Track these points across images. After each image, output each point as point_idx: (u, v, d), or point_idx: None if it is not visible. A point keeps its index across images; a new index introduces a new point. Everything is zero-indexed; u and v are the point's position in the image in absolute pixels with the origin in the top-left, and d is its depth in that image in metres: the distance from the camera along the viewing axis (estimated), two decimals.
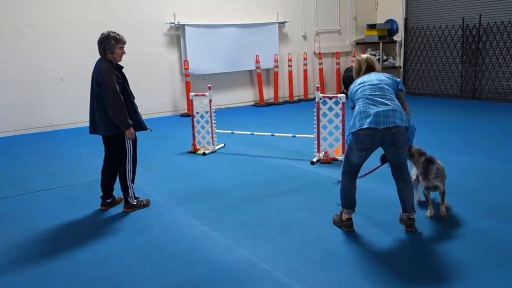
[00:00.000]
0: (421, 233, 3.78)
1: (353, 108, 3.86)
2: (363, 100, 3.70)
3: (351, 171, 3.83)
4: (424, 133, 7.55)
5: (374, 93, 3.68)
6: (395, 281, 3.09)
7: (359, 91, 3.77)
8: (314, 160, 5.99)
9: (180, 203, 4.68)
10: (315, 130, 6.03)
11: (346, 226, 3.88)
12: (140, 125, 4.42)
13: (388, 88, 3.72)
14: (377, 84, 3.73)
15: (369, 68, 3.92)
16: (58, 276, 3.31)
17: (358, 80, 3.87)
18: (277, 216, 4.24)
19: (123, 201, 4.55)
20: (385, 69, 12.35)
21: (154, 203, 4.67)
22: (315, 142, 6.08)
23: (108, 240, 3.88)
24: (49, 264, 3.49)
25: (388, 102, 3.62)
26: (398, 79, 3.86)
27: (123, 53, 4.33)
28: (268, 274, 3.22)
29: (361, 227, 3.92)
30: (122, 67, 4.35)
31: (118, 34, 4.27)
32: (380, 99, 3.63)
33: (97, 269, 3.39)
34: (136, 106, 4.43)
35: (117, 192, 4.59)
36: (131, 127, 4.27)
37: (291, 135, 6.56)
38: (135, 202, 4.51)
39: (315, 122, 6.01)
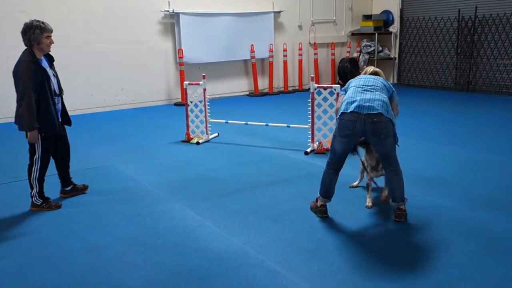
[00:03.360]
0: (412, 223, 3.79)
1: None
2: (354, 88, 3.82)
3: (334, 162, 3.88)
4: (418, 125, 7.59)
5: (367, 84, 3.81)
6: (386, 271, 3.10)
7: (355, 81, 3.92)
8: (308, 150, 5.98)
9: (173, 192, 4.66)
10: (310, 120, 6.02)
11: (320, 211, 3.98)
12: (53, 127, 4.11)
13: (383, 86, 3.84)
14: (373, 80, 3.87)
15: (374, 73, 4.06)
16: (48, 264, 3.28)
17: (360, 75, 4.03)
18: (271, 206, 4.24)
19: (87, 188, 4.59)
20: (380, 60, 12.37)
21: (146, 192, 4.64)
22: (309, 132, 6.06)
23: (100, 228, 3.86)
24: (38, 252, 3.46)
25: (377, 93, 3.72)
26: (394, 88, 3.97)
27: (51, 42, 4.07)
28: (261, 263, 3.21)
29: (353, 217, 3.93)
30: (53, 59, 4.20)
31: (43, 22, 4.00)
32: (370, 90, 3.74)
33: (89, 257, 3.37)
34: (55, 105, 4.13)
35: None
36: (36, 130, 4.00)
37: (286, 125, 6.54)
38: (39, 203, 4.26)
39: (310, 112, 5.99)
